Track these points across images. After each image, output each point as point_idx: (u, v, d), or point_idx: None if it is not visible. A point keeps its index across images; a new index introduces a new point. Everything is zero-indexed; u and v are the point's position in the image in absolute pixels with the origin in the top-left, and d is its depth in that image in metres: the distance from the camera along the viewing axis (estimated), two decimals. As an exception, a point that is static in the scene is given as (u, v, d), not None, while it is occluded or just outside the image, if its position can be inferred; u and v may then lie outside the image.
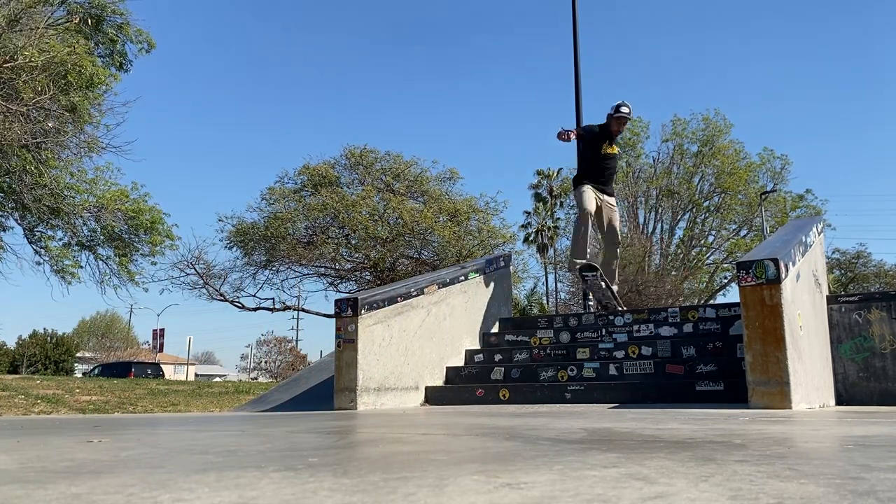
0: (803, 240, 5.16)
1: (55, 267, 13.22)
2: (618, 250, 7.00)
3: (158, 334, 47.92)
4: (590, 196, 6.52)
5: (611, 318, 6.30)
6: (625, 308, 6.95)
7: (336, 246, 18.15)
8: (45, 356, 38.24)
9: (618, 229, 6.88)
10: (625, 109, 6.73)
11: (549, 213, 39.67)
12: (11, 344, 41.86)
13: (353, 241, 18.01)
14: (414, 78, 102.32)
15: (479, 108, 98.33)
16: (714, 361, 5.10)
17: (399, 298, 5.54)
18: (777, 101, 77.21)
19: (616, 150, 6.86)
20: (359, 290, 16.79)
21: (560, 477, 0.99)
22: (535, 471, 1.06)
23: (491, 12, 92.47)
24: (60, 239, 13.54)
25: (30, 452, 1.52)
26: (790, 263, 4.44)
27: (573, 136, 6.58)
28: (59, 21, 11.75)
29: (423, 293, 5.82)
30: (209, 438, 2.00)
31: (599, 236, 7.05)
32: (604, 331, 6.05)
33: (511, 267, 8.05)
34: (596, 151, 6.68)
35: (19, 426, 2.80)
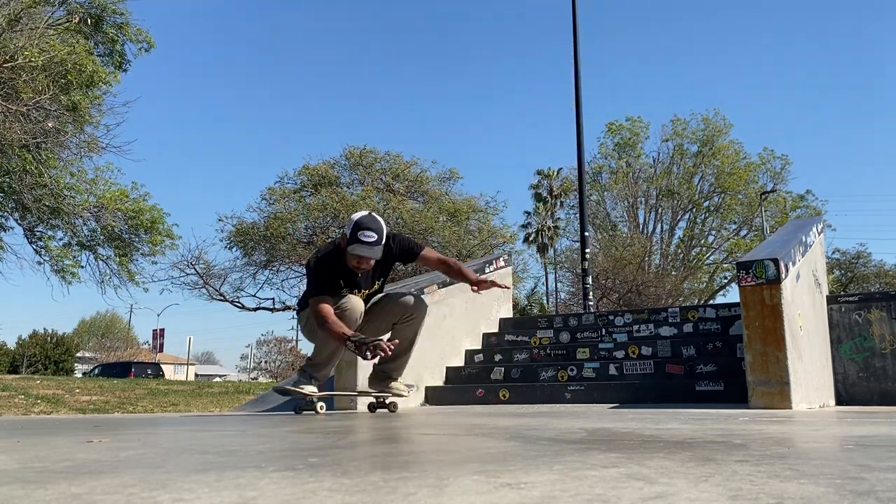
0: (803, 240, 5.16)
1: (55, 267, 13.22)
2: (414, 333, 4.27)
3: (158, 334, 47.93)
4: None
5: (611, 317, 6.30)
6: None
7: (336, 246, 18.12)
8: (45, 356, 38.25)
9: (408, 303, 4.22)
10: (367, 238, 3.76)
11: (549, 213, 39.69)
12: (11, 344, 41.88)
13: (353, 241, 17.97)
14: (414, 77, 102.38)
15: (478, 107, 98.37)
16: (714, 361, 5.10)
17: (399, 298, 5.53)
18: (777, 101, 77.24)
19: (377, 286, 4.21)
20: (359, 290, 16.74)
21: (560, 477, 0.99)
22: (535, 471, 1.06)
23: (492, 11, 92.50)
24: (60, 239, 13.54)
25: (30, 452, 1.52)
26: (790, 263, 4.44)
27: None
28: (59, 21, 11.75)
29: (423, 293, 5.82)
30: (209, 438, 2.00)
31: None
32: (604, 331, 6.06)
33: (511, 267, 8.05)
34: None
35: (19, 426, 2.80)
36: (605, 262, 23.56)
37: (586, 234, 11.97)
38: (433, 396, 5.65)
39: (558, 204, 38.81)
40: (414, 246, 4.23)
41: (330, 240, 4.92)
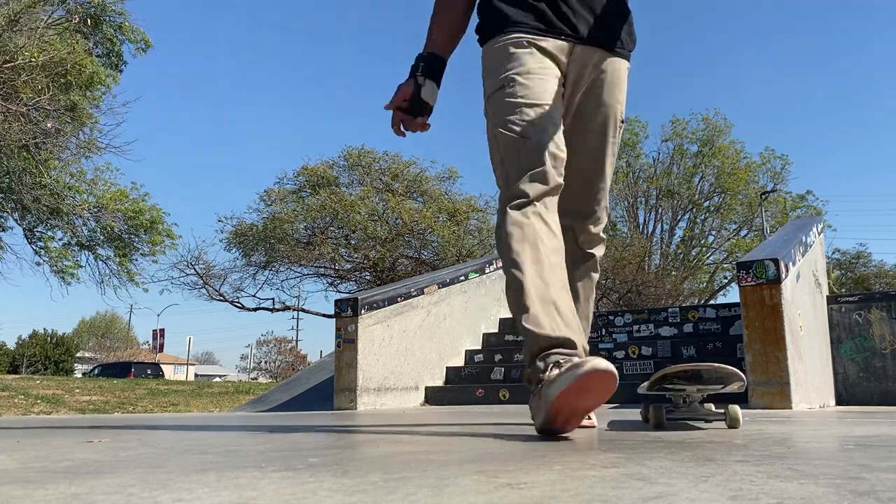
0: (803, 240, 5.16)
1: (55, 267, 13.24)
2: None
3: (158, 334, 47.90)
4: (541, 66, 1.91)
5: (611, 317, 6.30)
6: None
7: (335, 246, 18.16)
8: (45, 356, 38.28)
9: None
10: None
11: (548, 213, 39.69)
12: (11, 344, 41.91)
13: (353, 242, 18.02)
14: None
15: (478, 106, 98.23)
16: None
17: (399, 298, 5.54)
18: (777, 100, 77.25)
19: None
20: (359, 290, 16.79)
21: (560, 477, 0.99)
22: (535, 471, 1.06)
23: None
24: (60, 239, 13.56)
25: (30, 452, 1.52)
26: (790, 263, 4.44)
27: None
28: (59, 21, 11.76)
29: (422, 293, 5.82)
30: (209, 438, 2.00)
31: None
32: (604, 331, 6.06)
33: (511, 267, 8.05)
34: None
35: (19, 426, 2.80)
36: (604, 263, 23.57)
37: (586, 234, 11.97)
38: (433, 396, 5.65)
39: (558, 204, 38.79)
40: None
41: None
